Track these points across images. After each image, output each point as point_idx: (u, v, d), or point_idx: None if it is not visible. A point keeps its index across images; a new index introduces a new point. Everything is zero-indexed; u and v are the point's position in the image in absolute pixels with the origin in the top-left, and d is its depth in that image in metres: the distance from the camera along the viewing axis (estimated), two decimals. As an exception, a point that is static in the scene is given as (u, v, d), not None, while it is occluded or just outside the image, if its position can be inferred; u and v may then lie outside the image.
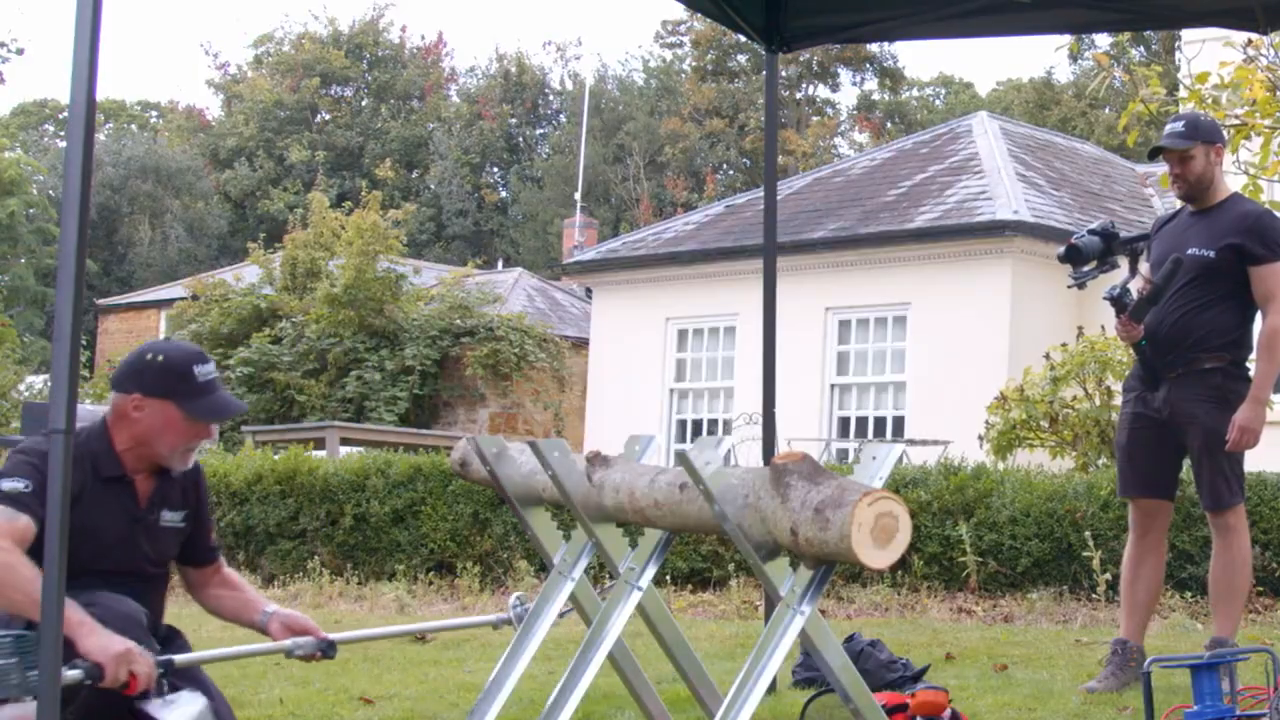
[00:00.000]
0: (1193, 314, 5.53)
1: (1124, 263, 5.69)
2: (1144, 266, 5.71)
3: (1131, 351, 5.90)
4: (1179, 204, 5.97)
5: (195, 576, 4.11)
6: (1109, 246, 5.62)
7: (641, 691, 4.34)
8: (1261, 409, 5.50)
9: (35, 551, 3.35)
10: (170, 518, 3.89)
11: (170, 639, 3.90)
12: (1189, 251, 5.49)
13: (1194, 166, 5.55)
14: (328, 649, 3.91)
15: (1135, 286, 5.62)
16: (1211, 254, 5.49)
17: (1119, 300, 5.51)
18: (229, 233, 44.78)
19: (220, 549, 4.25)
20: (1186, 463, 5.93)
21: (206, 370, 3.79)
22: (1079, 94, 37.18)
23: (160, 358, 3.77)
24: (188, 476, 3.93)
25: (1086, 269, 5.62)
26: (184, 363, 3.77)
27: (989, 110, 24.07)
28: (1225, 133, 7.05)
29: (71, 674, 3.23)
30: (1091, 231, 5.65)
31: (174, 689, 3.52)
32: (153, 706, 3.42)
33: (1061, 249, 5.66)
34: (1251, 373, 5.61)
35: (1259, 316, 5.61)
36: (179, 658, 3.56)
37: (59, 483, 3.03)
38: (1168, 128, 5.64)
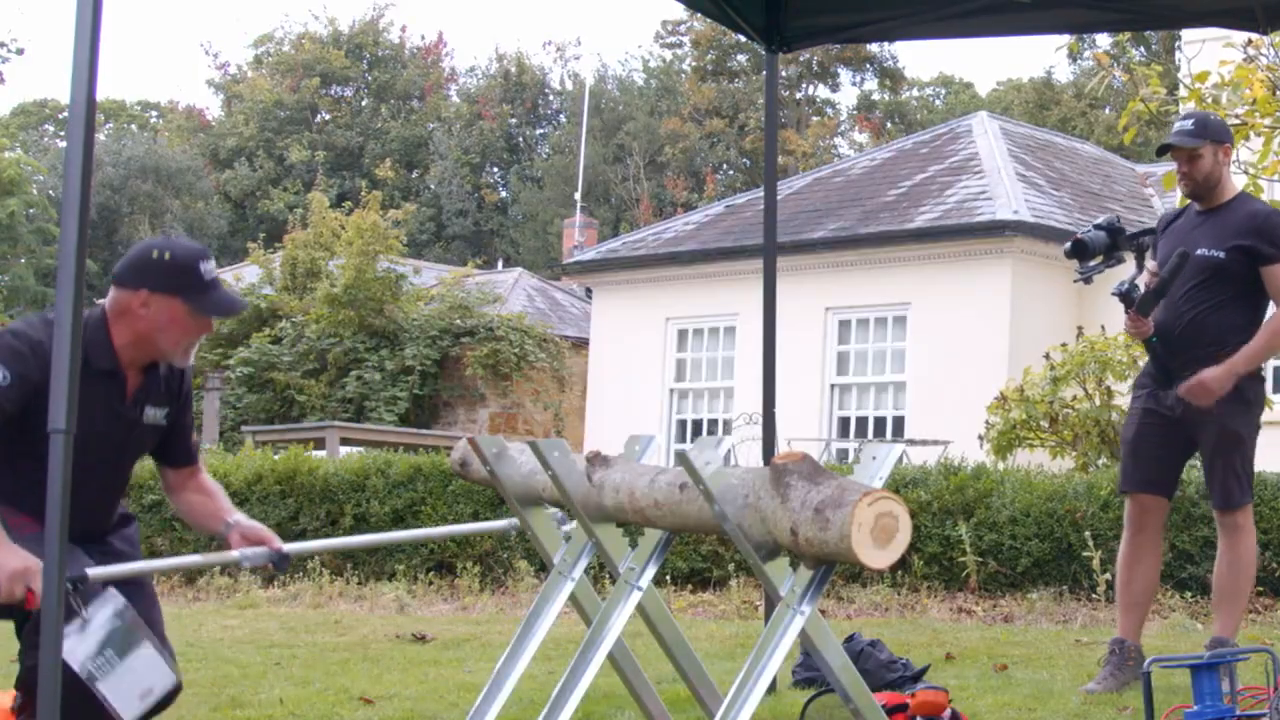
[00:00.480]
0: (1205, 314, 5.51)
1: (1130, 258, 5.67)
2: (1151, 262, 5.69)
3: (1132, 352, 5.90)
4: (1180, 205, 5.96)
5: (172, 478, 4.13)
6: (1114, 241, 5.61)
7: (641, 691, 4.34)
8: (1230, 377, 5.43)
9: None
10: (152, 414, 3.91)
11: (123, 523, 3.98)
12: (1198, 252, 5.47)
13: (1202, 165, 5.54)
14: (279, 561, 3.87)
15: (1143, 282, 5.61)
16: (1221, 254, 5.48)
17: (1127, 296, 5.49)
18: (229, 233, 44.79)
19: (200, 453, 4.25)
20: (1189, 463, 5.92)
21: (210, 267, 3.83)
22: (1079, 94, 37.19)
23: (167, 254, 3.78)
24: (174, 375, 3.95)
25: (1092, 264, 5.61)
26: (190, 260, 3.79)
27: (989, 110, 24.08)
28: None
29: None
30: (1097, 226, 5.64)
31: (85, 603, 3.46)
32: (69, 636, 3.35)
33: (1067, 244, 5.64)
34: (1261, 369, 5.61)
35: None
36: (92, 572, 3.47)
37: (59, 483, 3.03)
38: (1176, 125, 5.62)
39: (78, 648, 3.40)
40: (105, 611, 3.49)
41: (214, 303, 3.81)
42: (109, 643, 3.47)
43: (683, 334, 17.95)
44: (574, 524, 4.10)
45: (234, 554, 3.82)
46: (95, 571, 3.50)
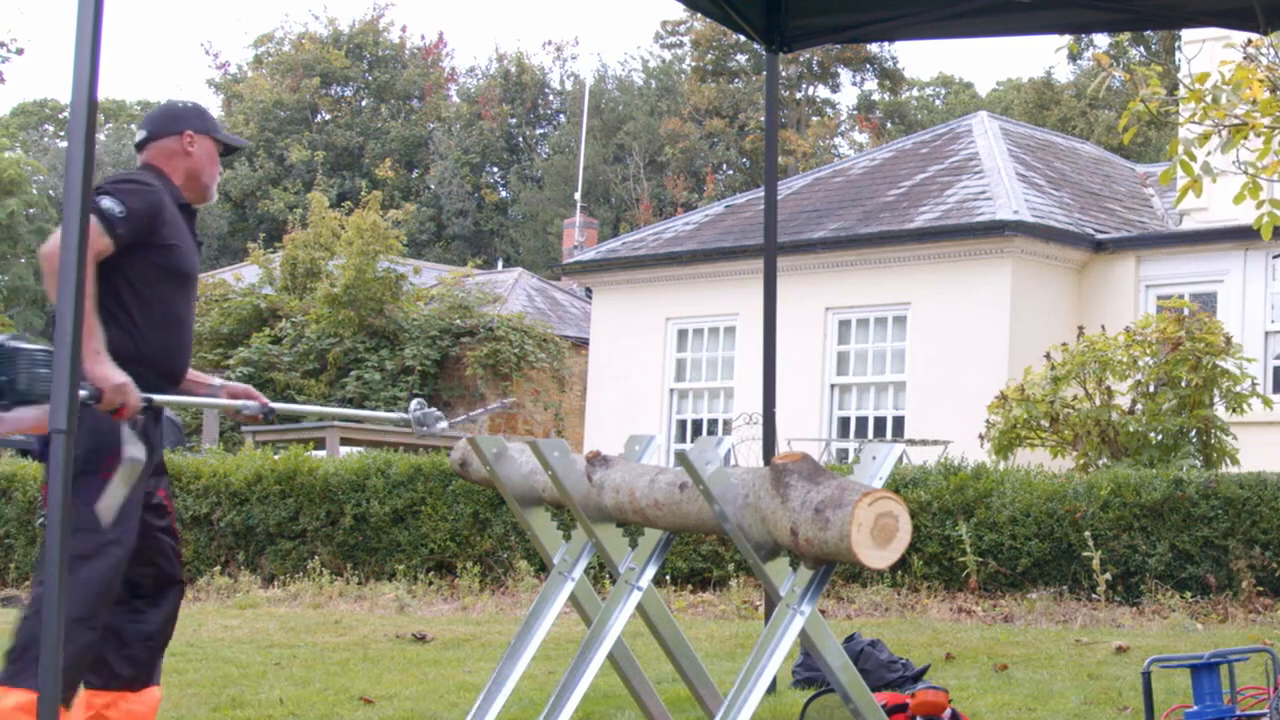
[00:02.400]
0: None
1: None
2: None
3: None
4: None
5: None
6: None
7: (641, 691, 4.34)
8: None
9: (105, 264, 4.07)
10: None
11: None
12: None
13: None
14: (268, 414, 4.57)
15: None
16: None
17: None
18: (229, 233, 44.78)
19: None
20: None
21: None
22: (1079, 94, 37.18)
23: (190, 103, 4.59)
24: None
25: None
26: (203, 107, 4.60)
27: (989, 110, 24.07)
28: (1224, 132, 7.05)
29: (81, 393, 3.71)
30: None
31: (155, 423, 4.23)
32: (126, 441, 4.08)
33: None
34: None
35: None
36: (158, 398, 4.15)
37: (59, 483, 3.04)
38: None
39: (130, 448, 4.07)
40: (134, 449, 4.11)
41: (235, 138, 4.61)
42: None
43: (683, 334, 17.95)
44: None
45: (239, 402, 4.49)
46: (160, 398, 4.19)
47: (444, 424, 4.72)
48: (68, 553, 3.28)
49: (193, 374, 4.53)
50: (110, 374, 3.97)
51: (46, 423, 3.61)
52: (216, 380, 4.65)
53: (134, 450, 4.10)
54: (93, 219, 3.90)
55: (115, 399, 3.97)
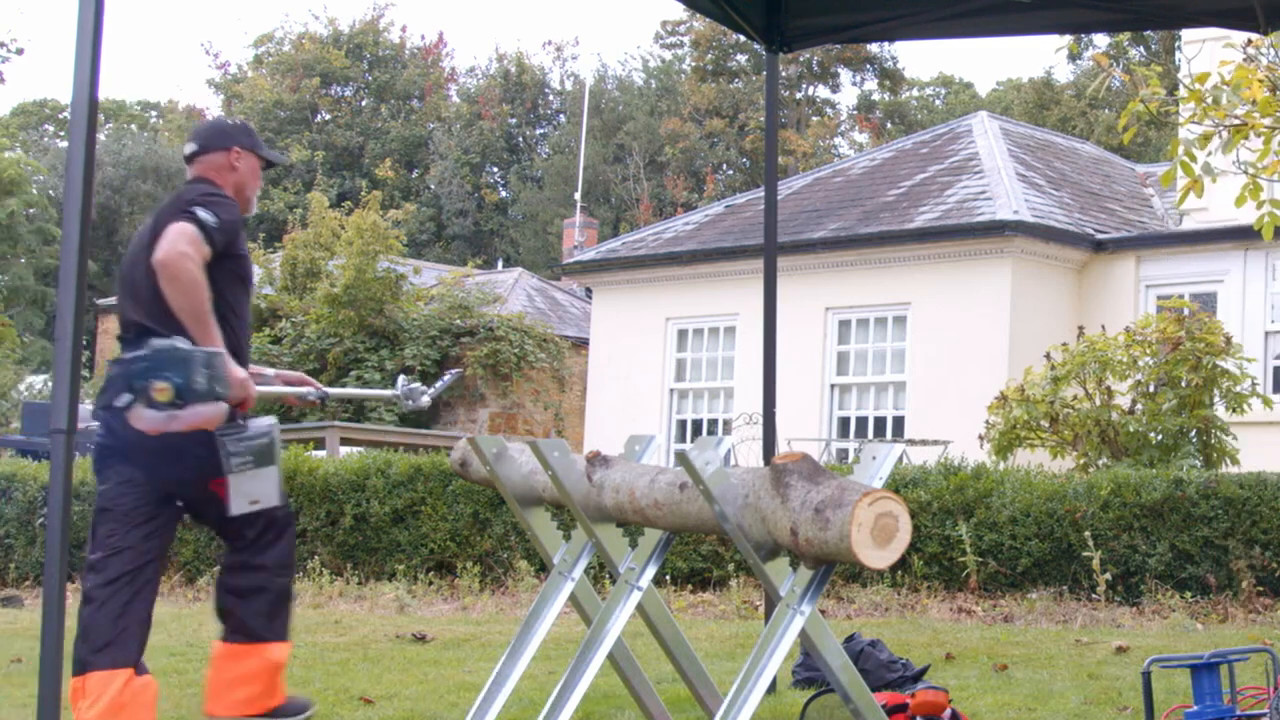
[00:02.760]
0: None
1: None
2: None
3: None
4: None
5: None
6: None
7: (641, 691, 4.34)
8: None
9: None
10: None
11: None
12: None
13: None
14: (324, 399, 5.09)
15: None
16: None
17: None
18: (229, 233, 44.74)
19: None
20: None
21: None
22: (1079, 94, 37.18)
23: (238, 119, 5.05)
24: None
25: None
26: (250, 125, 5.00)
27: (989, 110, 24.07)
28: (1224, 132, 7.04)
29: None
30: None
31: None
32: (233, 430, 4.48)
33: None
34: None
35: None
36: (260, 389, 4.69)
37: (60, 483, 3.04)
38: None
39: (229, 443, 4.42)
40: (261, 424, 4.52)
41: (276, 155, 4.96)
42: (252, 451, 4.48)
43: (683, 334, 17.95)
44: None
45: (301, 390, 5.01)
46: (261, 390, 4.70)
47: (427, 397, 5.28)
48: (279, 518, 4.57)
49: (251, 367, 4.87)
50: (234, 370, 4.45)
51: (216, 419, 4.35)
52: (269, 370, 5.05)
53: (234, 446, 4.45)
54: (192, 229, 4.35)
55: (239, 393, 4.45)
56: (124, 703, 4.25)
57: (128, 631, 4.31)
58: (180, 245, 4.32)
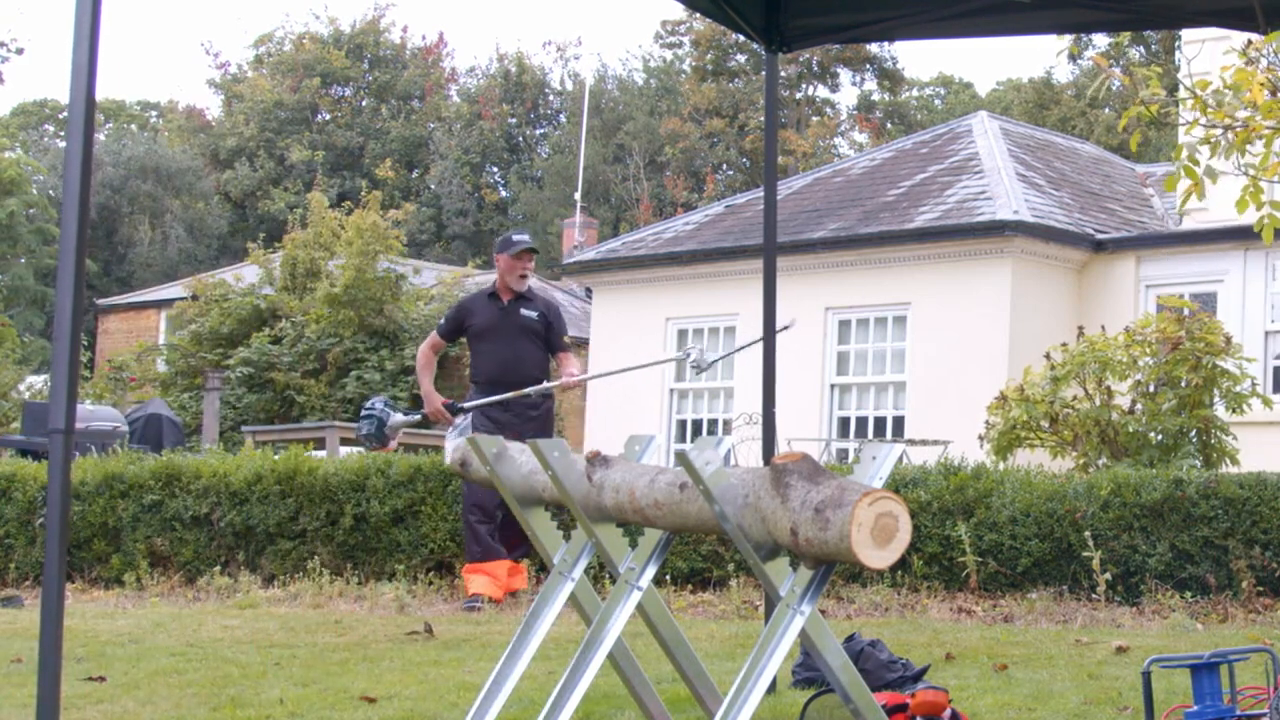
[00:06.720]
0: None
1: None
2: None
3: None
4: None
5: (556, 359, 9.03)
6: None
7: (641, 691, 4.34)
8: None
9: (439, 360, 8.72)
10: (526, 315, 8.85)
11: (534, 405, 8.78)
12: None
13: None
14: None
15: None
16: None
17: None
18: (229, 233, 44.81)
19: (568, 347, 9.05)
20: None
21: (520, 237, 8.86)
22: (1079, 94, 37.19)
23: (500, 238, 8.98)
24: (541, 301, 9.07)
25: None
26: (508, 235, 8.93)
27: (989, 110, 24.08)
28: (1229, 135, 7.04)
29: (412, 418, 8.64)
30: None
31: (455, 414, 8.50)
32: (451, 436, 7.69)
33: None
34: None
35: None
36: (464, 404, 8.44)
37: (59, 483, 3.04)
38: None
39: (451, 442, 6.36)
40: (465, 423, 7.85)
41: (512, 247, 8.74)
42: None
43: (682, 334, 17.95)
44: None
45: (561, 383, 8.64)
46: (467, 404, 8.48)
47: (712, 355, 7.20)
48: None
49: (568, 368, 8.81)
50: (431, 400, 8.65)
51: (394, 443, 6.77)
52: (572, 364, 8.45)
53: (452, 444, 6.64)
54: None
55: (435, 413, 8.53)
56: None
57: None
58: None
